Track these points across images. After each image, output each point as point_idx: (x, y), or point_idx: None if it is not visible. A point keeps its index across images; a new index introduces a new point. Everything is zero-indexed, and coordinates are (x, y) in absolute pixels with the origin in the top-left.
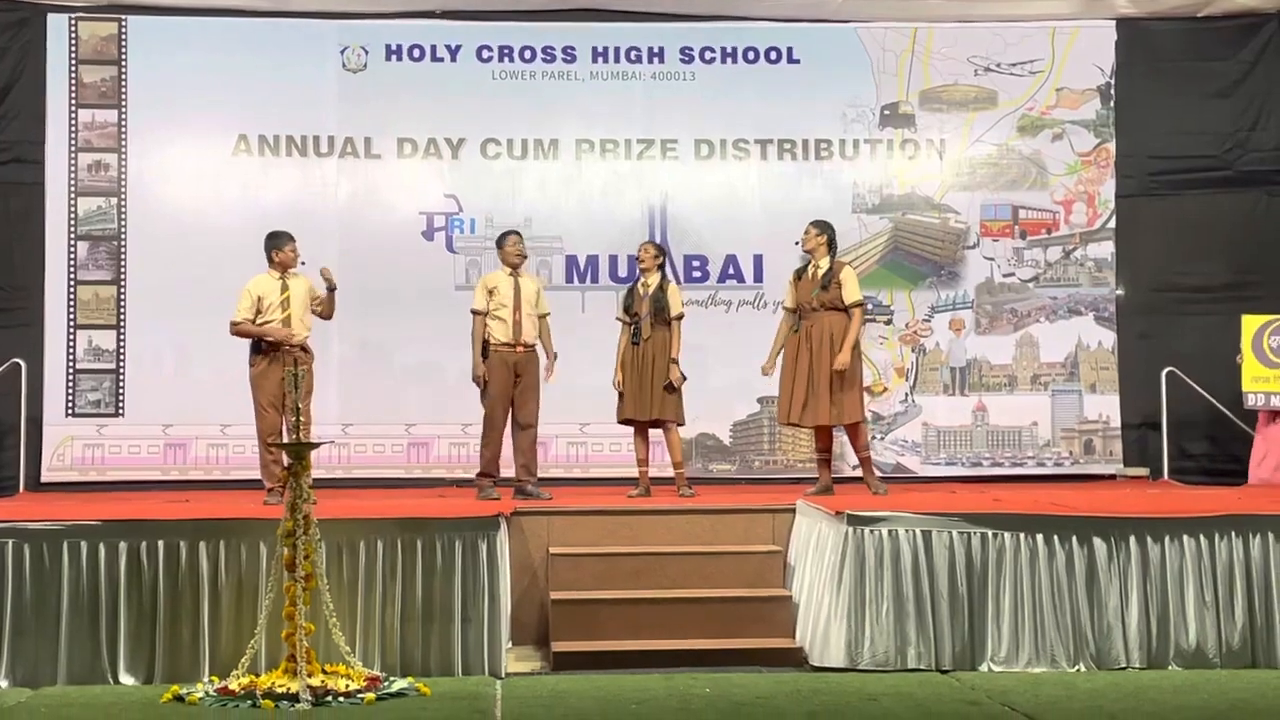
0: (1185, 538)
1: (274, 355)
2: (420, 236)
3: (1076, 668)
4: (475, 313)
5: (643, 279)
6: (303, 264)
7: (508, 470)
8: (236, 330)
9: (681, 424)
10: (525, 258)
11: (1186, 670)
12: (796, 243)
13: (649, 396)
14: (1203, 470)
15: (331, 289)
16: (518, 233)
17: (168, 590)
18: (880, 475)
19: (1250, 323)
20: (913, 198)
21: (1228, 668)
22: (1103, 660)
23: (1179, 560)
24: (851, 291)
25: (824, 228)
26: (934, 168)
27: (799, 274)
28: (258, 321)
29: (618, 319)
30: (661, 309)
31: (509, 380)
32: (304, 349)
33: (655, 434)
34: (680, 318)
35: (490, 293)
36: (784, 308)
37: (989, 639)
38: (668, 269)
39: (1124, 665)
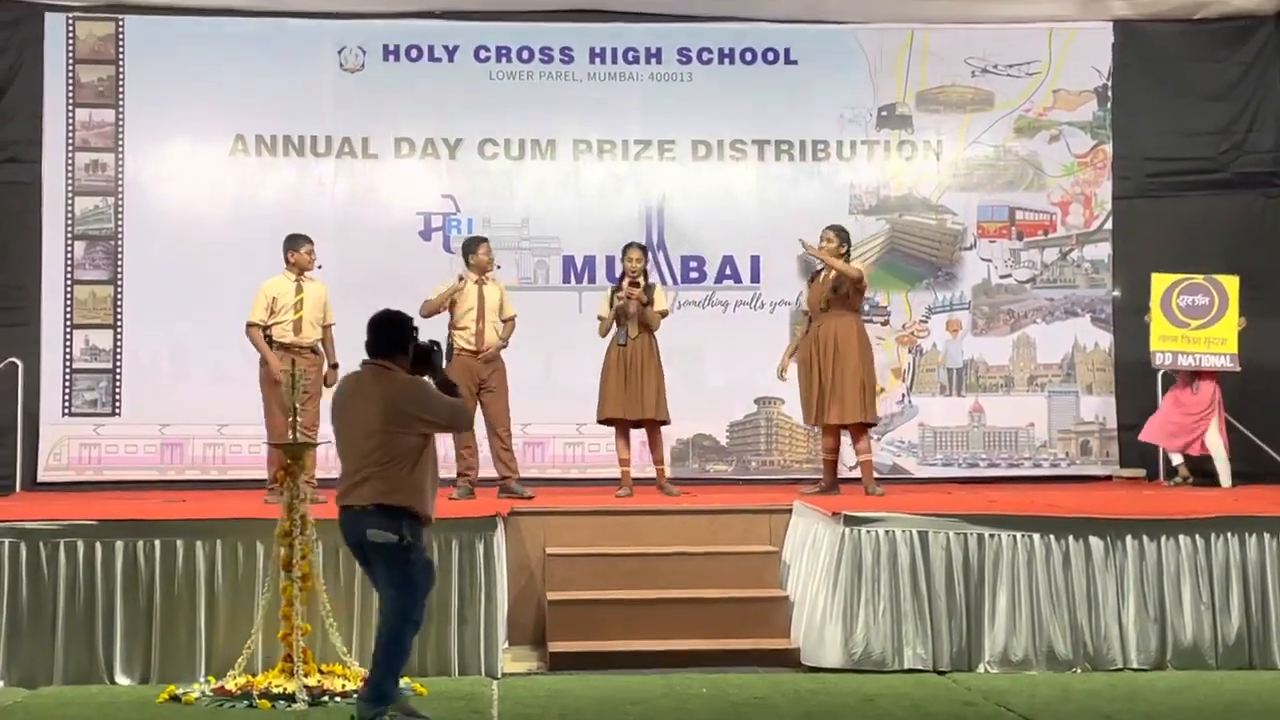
0: (1181, 538)
1: (283, 357)
2: (417, 237)
3: (1073, 669)
4: (426, 301)
5: (627, 282)
6: (319, 267)
7: (487, 470)
8: (251, 334)
9: (668, 421)
10: (493, 264)
11: (1183, 671)
12: (801, 253)
13: (638, 397)
14: (1199, 472)
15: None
16: (487, 240)
17: (164, 590)
18: (877, 476)
19: (1160, 281)
20: (910, 199)
21: (1224, 668)
22: (1099, 661)
23: (1175, 561)
24: (851, 267)
25: (843, 235)
26: (931, 169)
27: (813, 278)
28: (270, 321)
29: (599, 317)
30: (647, 303)
31: (473, 386)
32: (314, 350)
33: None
34: (664, 314)
35: (454, 302)
36: (803, 312)
37: (986, 640)
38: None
39: (1121, 666)
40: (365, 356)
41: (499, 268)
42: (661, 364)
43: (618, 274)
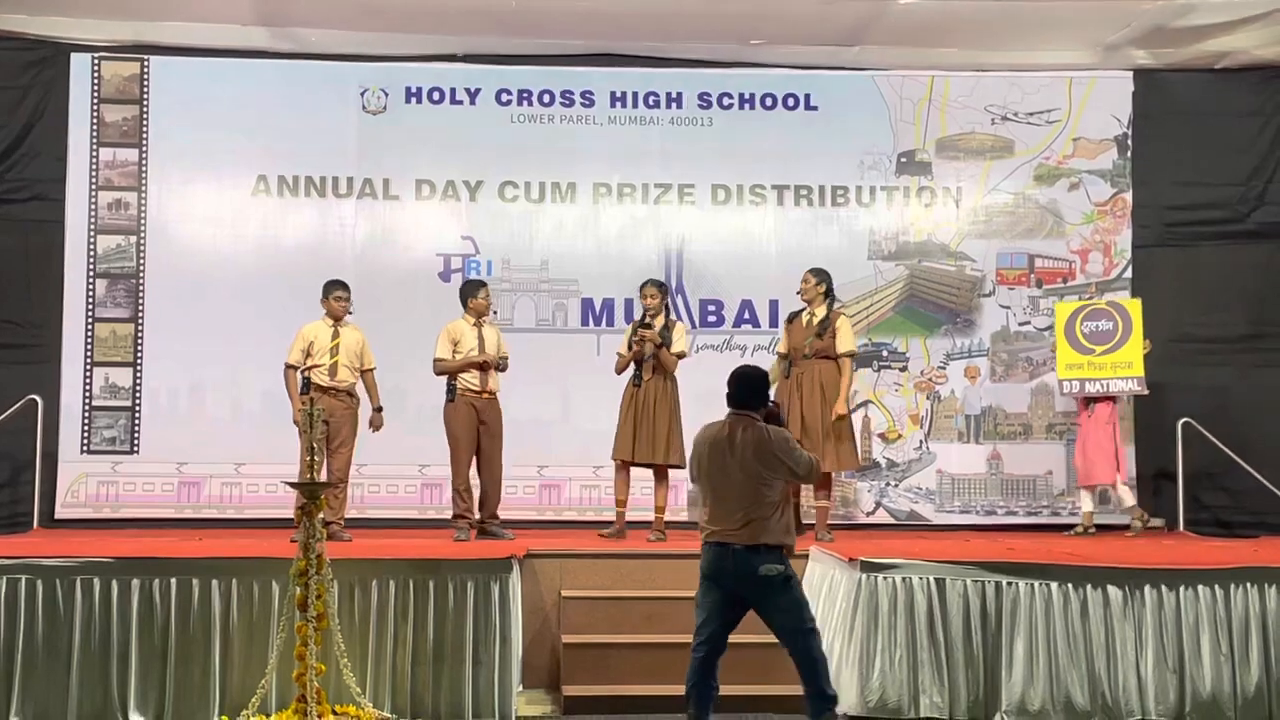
0: (1201, 589)
1: (318, 399)
2: (437, 278)
3: (1092, 718)
4: (438, 360)
5: (648, 318)
6: (350, 314)
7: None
8: (285, 375)
9: (681, 465)
10: (490, 308)
11: None
12: (798, 292)
13: (649, 439)
14: (1218, 522)
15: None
16: (486, 284)
17: (179, 629)
18: (894, 522)
19: (1063, 309)
20: (929, 245)
21: None
22: (1117, 712)
23: (1194, 612)
24: (845, 341)
25: (822, 276)
26: (950, 216)
27: (792, 318)
28: (306, 364)
29: (618, 354)
30: (665, 345)
31: (474, 424)
32: (349, 394)
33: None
34: (682, 355)
35: (455, 343)
36: (777, 352)
37: (1003, 689)
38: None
39: (1139, 717)
40: None
41: (496, 313)
42: (678, 407)
43: (637, 313)
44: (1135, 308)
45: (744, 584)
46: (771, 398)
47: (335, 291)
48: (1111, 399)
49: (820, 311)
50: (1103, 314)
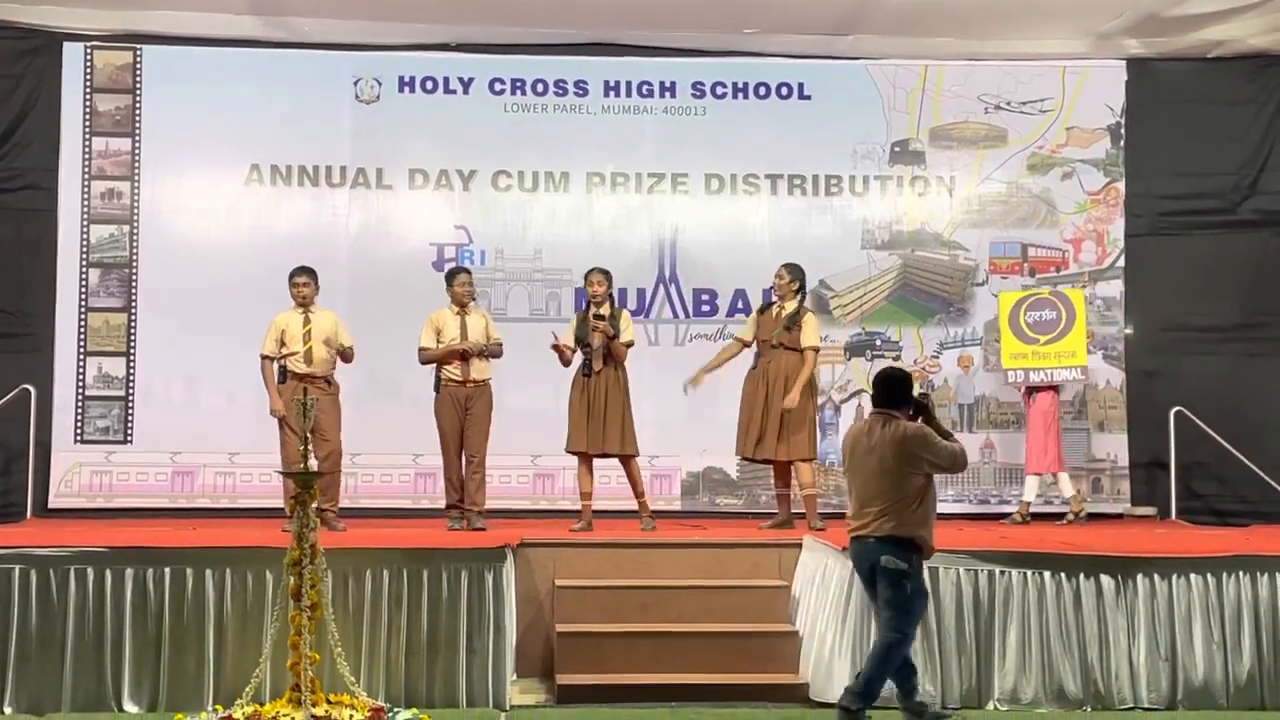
0: (1193, 577)
1: (296, 388)
2: (430, 267)
3: (1083, 708)
4: (422, 350)
5: (594, 309)
6: (308, 296)
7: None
8: (261, 365)
9: (637, 455)
10: (474, 297)
11: (1194, 711)
12: (770, 286)
13: (601, 429)
14: (1210, 510)
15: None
16: (468, 271)
17: (173, 617)
18: None
19: (1006, 299)
20: (922, 234)
21: (1235, 708)
22: (1110, 700)
23: (1186, 600)
24: (810, 335)
25: (796, 273)
26: (944, 205)
27: (764, 309)
28: (281, 353)
29: (564, 346)
30: (615, 335)
31: (459, 415)
32: (327, 381)
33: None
34: (630, 345)
35: (438, 332)
36: (736, 337)
37: (995, 677)
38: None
39: (1131, 705)
40: None
41: (477, 300)
42: (629, 396)
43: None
44: (1078, 297)
45: (871, 571)
46: (919, 389)
47: (295, 277)
48: (1054, 388)
49: (790, 306)
50: (1046, 304)
